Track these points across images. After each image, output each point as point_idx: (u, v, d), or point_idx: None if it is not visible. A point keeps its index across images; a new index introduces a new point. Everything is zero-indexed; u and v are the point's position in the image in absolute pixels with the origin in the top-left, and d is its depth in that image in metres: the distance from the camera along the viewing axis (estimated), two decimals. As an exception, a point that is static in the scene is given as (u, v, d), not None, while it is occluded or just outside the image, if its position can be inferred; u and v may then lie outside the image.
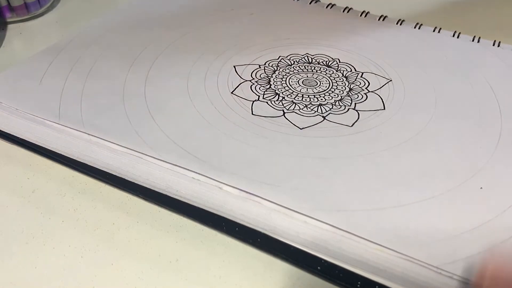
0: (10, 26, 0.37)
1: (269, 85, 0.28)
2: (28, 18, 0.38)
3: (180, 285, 0.19)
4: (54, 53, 0.30)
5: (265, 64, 0.29)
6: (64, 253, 0.20)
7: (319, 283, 0.19)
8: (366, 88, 0.28)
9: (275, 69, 0.29)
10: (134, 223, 0.22)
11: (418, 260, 0.18)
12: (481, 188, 0.21)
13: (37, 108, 0.25)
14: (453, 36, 0.33)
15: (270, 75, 0.29)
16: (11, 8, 0.37)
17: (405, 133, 0.24)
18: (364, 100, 0.27)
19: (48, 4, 0.39)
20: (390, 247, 0.18)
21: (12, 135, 0.25)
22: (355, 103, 0.26)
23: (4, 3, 0.36)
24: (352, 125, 0.25)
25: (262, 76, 0.28)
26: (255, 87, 0.27)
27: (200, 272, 0.20)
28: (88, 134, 0.23)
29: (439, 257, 0.18)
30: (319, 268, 0.19)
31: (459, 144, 0.24)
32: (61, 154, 0.24)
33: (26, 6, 0.37)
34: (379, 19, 0.35)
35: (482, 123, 0.25)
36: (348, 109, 0.26)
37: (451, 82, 0.28)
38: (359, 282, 0.18)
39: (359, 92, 0.27)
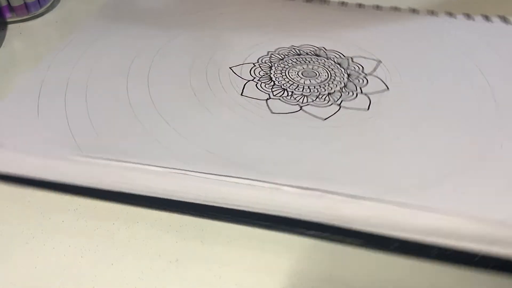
0: (10, 26, 0.37)
1: (272, 82, 0.28)
2: (28, 18, 0.38)
3: (180, 285, 0.19)
4: (40, 76, 0.28)
5: (258, 61, 0.29)
6: (64, 253, 0.20)
7: (318, 283, 0.19)
8: (362, 71, 0.28)
9: (270, 65, 0.29)
10: (134, 223, 0.22)
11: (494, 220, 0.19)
12: (501, 146, 0.23)
13: (49, 143, 0.23)
14: (428, 14, 0.34)
15: (269, 72, 0.28)
16: (11, 8, 0.37)
17: (416, 111, 0.25)
18: (367, 84, 0.27)
19: (48, 4, 0.39)
20: (465, 212, 0.19)
21: (27, 178, 0.22)
22: (360, 88, 0.27)
23: (4, 3, 0.36)
24: (368, 109, 0.25)
25: (261, 73, 0.28)
26: (261, 85, 0.27)
27: (200, 272, 0.20)
28: (121, 160, 0.22)
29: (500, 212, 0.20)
30: (395, 245, 0.20)
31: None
32: (91, 188, 0.22)
33: (26, 6, 0.37)
34: (357, 7, 0.36)
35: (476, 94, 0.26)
36: (357, 94, 0.26)
37: (433, 54, 0.29)
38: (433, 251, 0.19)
39: (357, 77, 0.28)
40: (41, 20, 0.38)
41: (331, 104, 0.26)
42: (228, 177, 0.21)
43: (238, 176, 0.21)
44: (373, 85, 0.27)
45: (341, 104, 0.26)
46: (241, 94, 0.27)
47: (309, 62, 0.29)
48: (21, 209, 0.22)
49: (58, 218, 0.22)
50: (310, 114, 0.25)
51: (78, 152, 0.22)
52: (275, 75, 0.28)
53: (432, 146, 0.23)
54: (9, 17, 0.37)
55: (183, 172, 0.21)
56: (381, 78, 0.28)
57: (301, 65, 0.29)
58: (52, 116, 0.25)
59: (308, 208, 0.20)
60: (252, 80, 0.28)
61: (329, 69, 0.29)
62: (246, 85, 0.27)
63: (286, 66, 0.29)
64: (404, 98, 0.26)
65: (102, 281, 0.19)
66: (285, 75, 0.28)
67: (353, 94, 0.26)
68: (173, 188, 0.21)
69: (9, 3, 0.36)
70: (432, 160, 0.22)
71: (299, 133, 0.24)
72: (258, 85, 0.27)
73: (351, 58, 0.30)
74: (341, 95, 0.26)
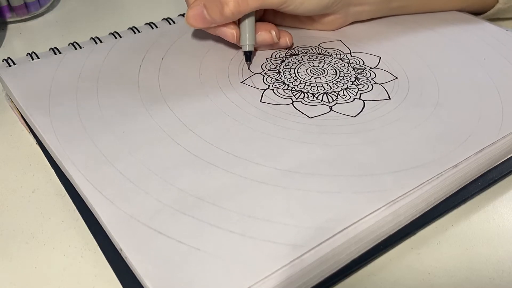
0: (10, 26, 0.37)
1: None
2: (28, 18, 0.38)
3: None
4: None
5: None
6: (64, 253, 0.20)
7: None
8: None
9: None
10: (134, 223, 0.21)
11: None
12: None
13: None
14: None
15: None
16: (11, 8, 0.37)
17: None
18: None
19: (48, 4, 0.39)
20: None
21: None
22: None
23: (4, 3, 0.36)
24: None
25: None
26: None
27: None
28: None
29: None
30: None
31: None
32: None
33: (26, 6, 0.37)
34: None
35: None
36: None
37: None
38: None
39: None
40: (41, 20, 0.39)
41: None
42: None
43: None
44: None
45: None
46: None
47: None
48: (21, 209, 0.22)
49: (58, 218, 0.22)
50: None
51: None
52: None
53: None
54: (9, 17, 0.37)
55: None
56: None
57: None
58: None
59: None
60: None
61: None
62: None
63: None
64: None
65: (102, 281, 0.19)
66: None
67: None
68: None
69: (9, 3, 0.36)
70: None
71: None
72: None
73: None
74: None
